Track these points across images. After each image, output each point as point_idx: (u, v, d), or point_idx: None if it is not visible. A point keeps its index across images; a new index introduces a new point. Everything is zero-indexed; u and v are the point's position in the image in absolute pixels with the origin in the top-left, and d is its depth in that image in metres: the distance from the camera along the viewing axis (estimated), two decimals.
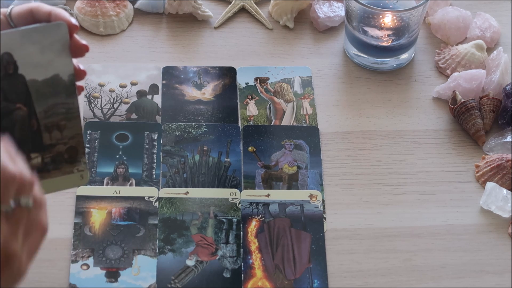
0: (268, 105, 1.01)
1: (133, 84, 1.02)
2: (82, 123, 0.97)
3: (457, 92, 0.99)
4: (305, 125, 0.99)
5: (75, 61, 0.72)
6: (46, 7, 0.72)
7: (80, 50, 0.72)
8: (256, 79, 1.03)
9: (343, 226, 0.90)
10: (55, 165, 0.74)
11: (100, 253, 0.86)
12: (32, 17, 0.72)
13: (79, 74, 0.73)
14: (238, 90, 1.02)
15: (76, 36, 0.72)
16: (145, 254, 0.87)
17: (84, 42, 0.72)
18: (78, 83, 0.74)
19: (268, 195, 0.92)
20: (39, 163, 0.72)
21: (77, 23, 0.71)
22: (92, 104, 0.99)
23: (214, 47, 1.07)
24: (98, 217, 0.89)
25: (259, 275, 0.86)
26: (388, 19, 0.99)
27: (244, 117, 1.00)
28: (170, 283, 0.85)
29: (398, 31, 1.01)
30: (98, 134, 0.96)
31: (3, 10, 0.73)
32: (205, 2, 1.11)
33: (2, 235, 0.64)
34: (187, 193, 0.92)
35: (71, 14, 1.07)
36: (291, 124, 0.99)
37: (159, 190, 0.92)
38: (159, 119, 0.99)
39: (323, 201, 0.92)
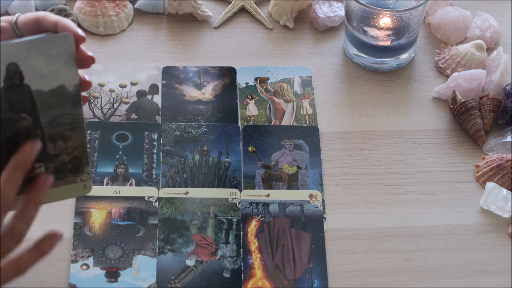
0: (268, 105, 1.01)
1: (133, 84, 1.02)
2: None
3: (457, 92, 0.99)
4: (305, 125, 0.99)
5: (80, 72, 0.72)
6: (53, 17, 0.72)
7: (86, 62, 0.72)
8: (256, 79, 1.03)
9: (343, 226, 0.90)
10: (59, 174, 0.74)
11: (100, 253, 0.86)
12: (38, 26, 0.72)
13: (84, 85, 0.73)
14: (238, 90, 1.02)
15: (83, 47, 0.72)
16: (145, 254, 0.87)
17: (90, 53, 0.72)
18: (83, 94, 0.74)
19: (268, 195, 0.92)
20: (42, 173, 0.72)
21: (83, 34, 0.71)
22: (92, 104, 0.99)
23: (214, 47, 1.07)
24: (98, 217, 0.89)
25: (259, 275, 0.86)
26: (387, 19, 0.99)
27: (244, 117, 1.00)
28: (170, 283, 0.85)
29: (398, 31, 1.01)
30: (98, 134, 0.96)
31: (9, 18, 0.73)
32: (205, 2, 1.11)
33: None
34: (187, 193, 0.92)
35: (71, 14, 1.07)
36: (291, 124, 0.99)
37: (159, 190, 0.92)
38: (159, 119, 0.99)
39: (323, 201, 0.92)
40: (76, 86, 0.71)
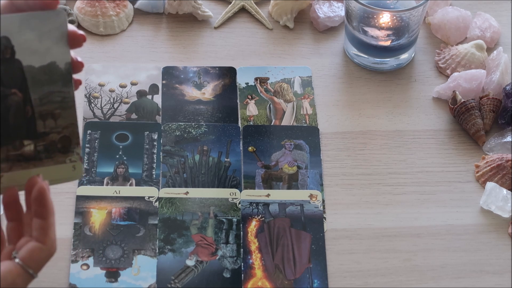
0: (268, 105, 1.01)
1: (133, 84, 1.02)
2: (82, 123, 0.97)
3: (457, 92, 0.99)
4: (305, 125, 0.99)
5: (72, 53, 0.72)
6: None
7: (77, 40, 0.72)
8: (256, 79, 1.03)
9: (343, 226, 0.90)
10: (48, 153, 0.73)
11: (100, 253, 0.86)
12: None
13: (77, 66, 0.73)
14: (238, 90, 1.02)
15: (74, 26, 0.72)
16: (145, 254, 0.87)
17: (81, 32, 0.72)
18: (76, 77, 0.73)
19: (268, 195, 0.92)
20: (31, 151, 0.72)
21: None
22: (92, 104, 0.99)
23: (214, 47, 1.07)
24: (98, 217, 0.89)
25: (259, 275, 0.86)
26: (387, 19, 0.99)
27: (244, 117, 1.00)
28: (170, 283, 0.85)
29: (398, 31, 1.01)
30: (98, 134, 0.96)
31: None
32: (205, 2, 1.11)
33: None
34: (187, 193, 0.92)
35: (71, 14, 1.07)
36: (291, 124, 0.99)
37: (159, 190, 0.92)
38: (159, 119, 0.99)
39: (323, 201, 0.92)
40: (68, 64, 0.71)
